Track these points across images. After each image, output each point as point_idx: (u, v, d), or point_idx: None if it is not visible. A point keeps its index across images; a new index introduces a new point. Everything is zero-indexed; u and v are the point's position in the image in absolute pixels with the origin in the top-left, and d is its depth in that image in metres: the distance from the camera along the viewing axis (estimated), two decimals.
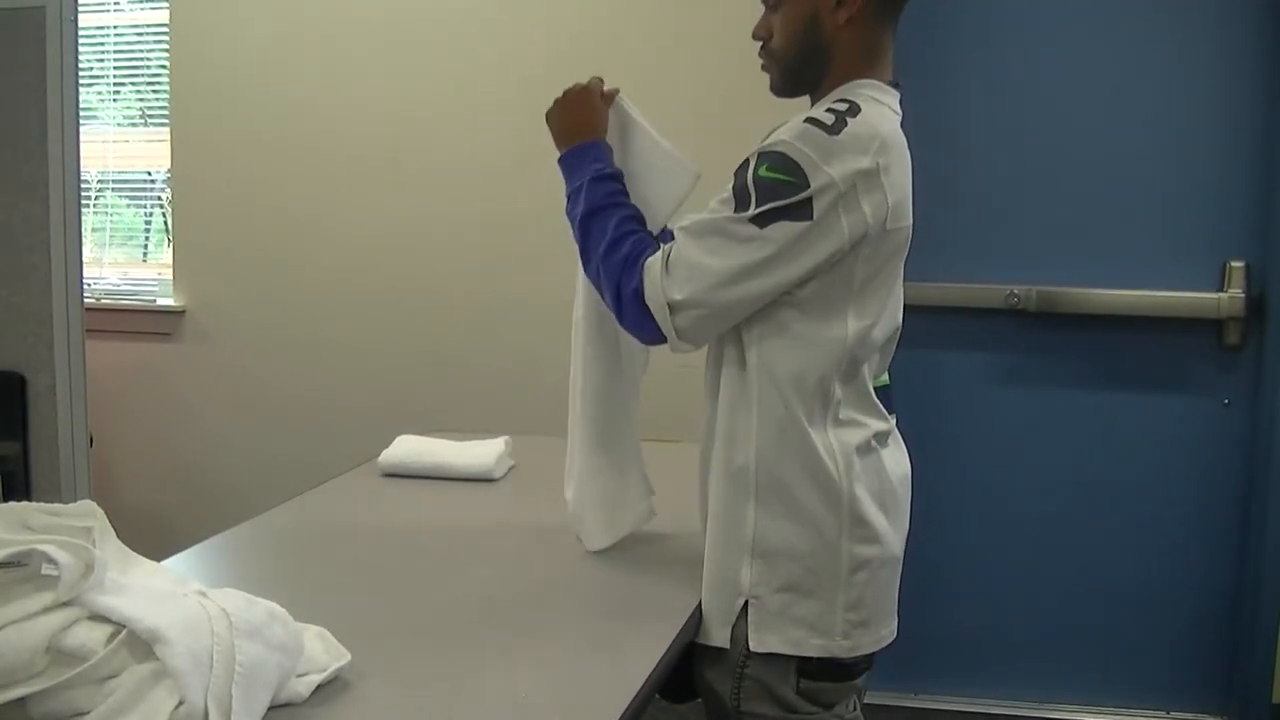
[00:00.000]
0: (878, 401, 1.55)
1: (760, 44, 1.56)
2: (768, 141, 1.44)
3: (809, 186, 1.38)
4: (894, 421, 1.59)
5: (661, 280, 1.43)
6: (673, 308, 1.43)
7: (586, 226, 1.53)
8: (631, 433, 1.75)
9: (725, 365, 1.52)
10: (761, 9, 1.56)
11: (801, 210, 1.38)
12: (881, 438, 1.54)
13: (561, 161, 1.61)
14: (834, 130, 1.40)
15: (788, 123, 1.45)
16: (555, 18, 3.39)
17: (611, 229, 1.50)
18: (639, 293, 1.45)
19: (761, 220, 1.39)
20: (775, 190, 1.38)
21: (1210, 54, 3.11)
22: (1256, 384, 3.15)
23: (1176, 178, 3.15)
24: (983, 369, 3.28)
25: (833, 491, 1.46)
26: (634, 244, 1.49)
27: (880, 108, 1.48)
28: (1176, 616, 3.24)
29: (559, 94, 1.64)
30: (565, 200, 1.58)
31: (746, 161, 1.43)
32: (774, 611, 1.48)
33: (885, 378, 1.61)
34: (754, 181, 1.40)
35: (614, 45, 3.34)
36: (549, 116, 1.64)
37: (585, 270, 1.57)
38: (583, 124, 1.61)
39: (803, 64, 1.52)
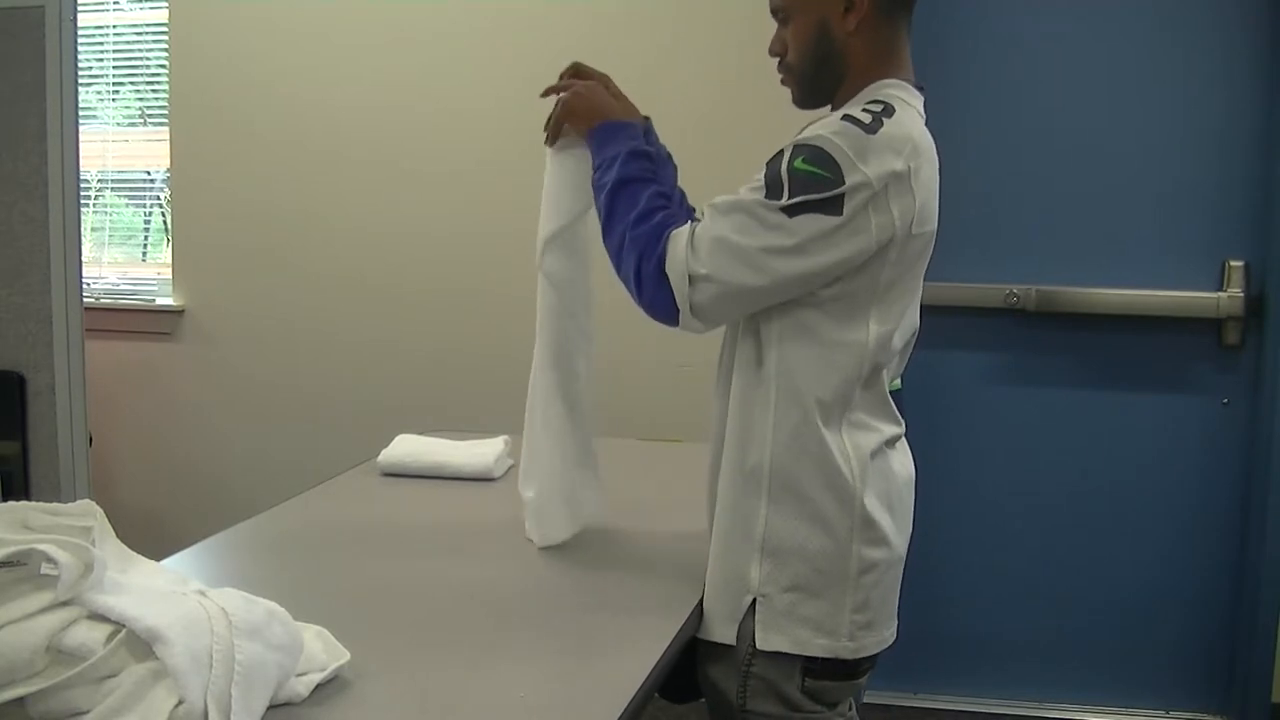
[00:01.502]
0: (893, 406, 1.55)
1: (778, 60, 1.56)
2: (804, 135, 1.44)
3: (843, 184, 1.37)
4: (903, 427, 1.59)
5: (686, 252, 1.42)
6: (692, 279, 1.42)
7: (615, 195, 1.51)
8: (587, 427, 1.77)
9: (742, 366, 1.51)
10: (774, 26, 1.56)
11: (832, 206, 1.37)
12: (891, 441, 1.54)
13: (593, 134, 1.58)
14: (871, 129, 1.40)
15: (822, 119, 1.45)
16: (556, 17, 3.39)
17: (644, 200, 1.49)
18: (661, 261, 1.43)
19: (791, 211, 1.38)
20: (809, 184, 1.38)
21: (1210, 54, 3.11)
22: (1255, 383, 3.15)
23: (1176, 177, 3.15)
24: (982, 369, 3.29)
25: (845, 493, 1.46)
26: (665, 216, 1.47)
27: (910, 110, 1.48)
28: (1176, 616, 3.24)
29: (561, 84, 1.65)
30: (593, 171, 1.57)
31: (781, 152, 1.42)
32: (781, 611, 1.48)
33: (898, 382, 1.61)
34: (788, 172, 1.39)
35: (615, 45, 3.34)
36: (568, 103, 1.61)
37: (606, 240, 1.53)
38: (611, 105, 1.60)
39: (818, 73, 1.52)
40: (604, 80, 1.65)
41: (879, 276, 1.44)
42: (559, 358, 1.72)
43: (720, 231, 1.41)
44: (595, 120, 1.59)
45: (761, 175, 1.42)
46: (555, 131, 1.64)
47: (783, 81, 1.57)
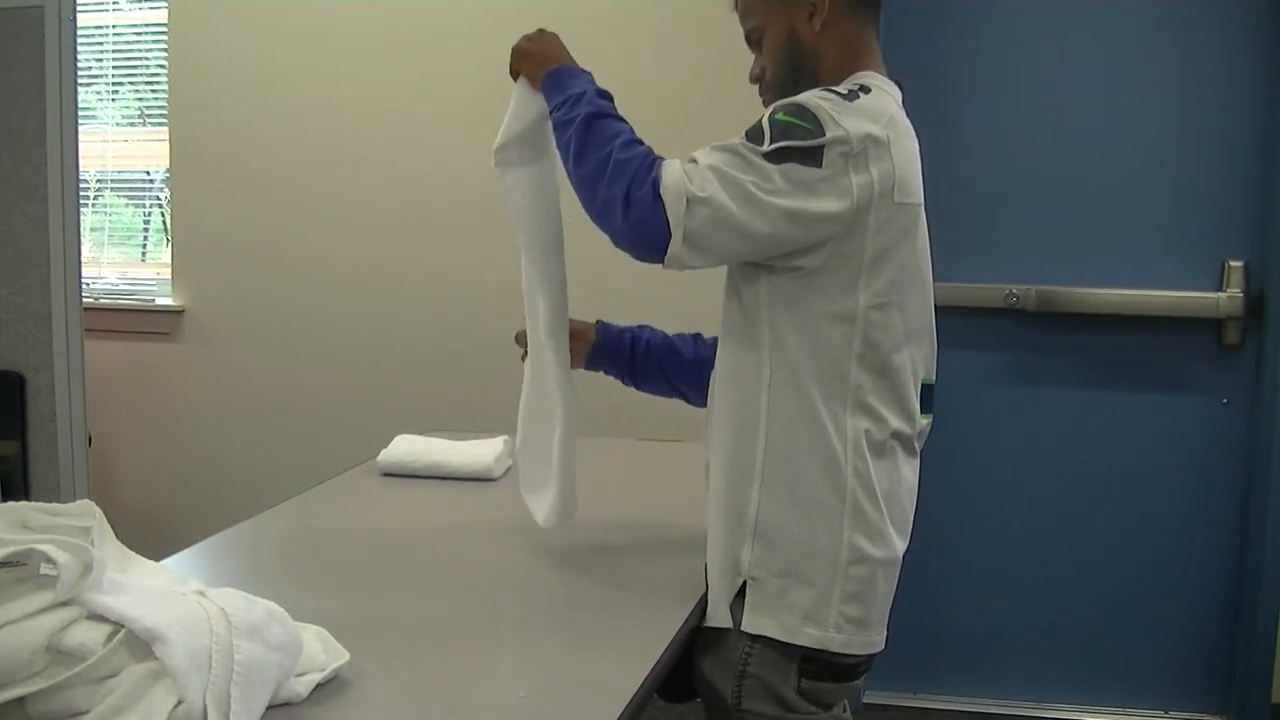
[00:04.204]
0: (912, 403, 1.53)
1: (759, 84, 1.60)
2: (783, 100, 1.46)
3: (823, 135, 1.39)
4: (928, 422, 1.58)
5: (682, 176, 1.40)
6: (690, 202, 1.39)
7: (590, 124, 1.48)
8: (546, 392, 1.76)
9: (736, 345, 1.51)
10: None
11: (812, 156, 1.39)
12: (904, 440, 1.53)
13: (551, 76, 1.58)
14: (849, 98, 1.44)
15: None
16: (556, 17, 3.38)
17: (626, 132, 1.48)
18: (656, 184, 1.40)
19: (774, 157, 1.39)
20: (789, 131, 1.40)
21: (1209, 54, 3.11)
22: (1255, 383, 3.15)
23: (1176, 177, 3.15)
24: (982, 369, 3.28)
25: (837, 476, 1.46)
26: (649, 149, 1.46)
27: (886, 96, 1.51)
28: (1176, 616, 3.24)
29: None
30: (554, 108, 1.54)
31: (758, 118, 1.44)
32: (771, 595, 1.48)
33: (931, 376, 1.60)
34: (769, 122, 1.41)
35: (613, 44, 3.34)
36: (520, 48, 1.63)
37: (578, 167, 1.48)
38: (565, 52, 1.61)
39: (796, 79, 1.54)
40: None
41: (864, 247, 1.44)
42: (530, 304, 1.71)
43: (713, 162, 1.41)
44: (550, 64, 1.59)
45: (743, 131, 1.44)
46: (515, 74, 1.66)
47: (766, 104, 1.58)
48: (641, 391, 1.87)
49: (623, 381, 1.86)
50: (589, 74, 1.58)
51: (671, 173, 1.40)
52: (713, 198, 1.39)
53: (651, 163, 1.42)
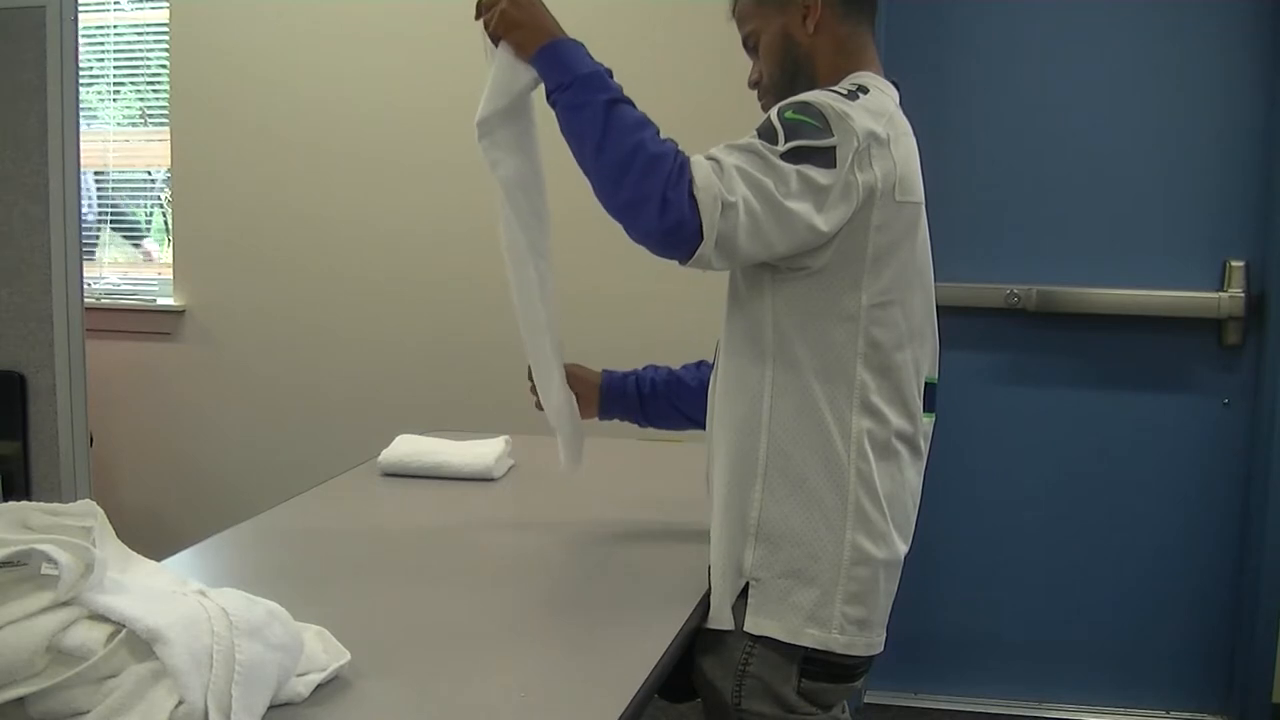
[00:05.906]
0: (914, 402, 1.53)
1: (757, 89, 1.60)
2: (786, 100, 1.45)
3: (833, 135, 1.38)
4: (930, 421, 1.58)
5: (714, 176, 1.36)
6: (724, 206, 1.35)
7: (611, 111, 1.42)
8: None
9: (739, 350, 1.51)
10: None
11: (827, 157, 1.38)
12: (908, 439, 1.53)
13: (549, 49, 1.51)
14: (850, 97, 1.44)
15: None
16: (558, 14, 3.38)
17: (649, 122, 1.43)
18: (691, 185, 1.35)
19: (790, 158, 1.37)
20: (801, 129, 1.38)
21: (1209, 54, 3.11)
22: (1256, 384, 3.15)
23: (1176, 177, 3.15)
24: (982, 369, 3.29)
25: (840, 477, 1.46)
26: (675, 144, 1.41)
27: (884, 95, 1.51)
28: (1176, 616, 3.24)
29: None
30: (560, 87, 1.47)
31: (767, 116, 1.42)
32: (774, 596, 1.48)
33: (934, 375, 1.60)
34: (780, 120, 1.39)
35: (612, 43, 3.33)
36: (507, 14, 1.56)
37: (599, 157, 1.41)
38: (553, 21, 1.55)
39: (792, 81, 1.54)
40: None
41: (866, 245, 1.44)
42: (517, 270, 1.71)
43: (738, 163, 1.37)
44: (543, 35, 1.53)
45: (754, 130, 1.41)
46: (495, 39, 1.60)
47: (765, 108, 1.57)
48: (656, 429, 1.89)
49: (636, 423, 1.89)
50: (584, 46, 1.52)
51: (703, 173, 1.36)
52: (742, 202, 1.36)
53: (683, 162, 1.37)
